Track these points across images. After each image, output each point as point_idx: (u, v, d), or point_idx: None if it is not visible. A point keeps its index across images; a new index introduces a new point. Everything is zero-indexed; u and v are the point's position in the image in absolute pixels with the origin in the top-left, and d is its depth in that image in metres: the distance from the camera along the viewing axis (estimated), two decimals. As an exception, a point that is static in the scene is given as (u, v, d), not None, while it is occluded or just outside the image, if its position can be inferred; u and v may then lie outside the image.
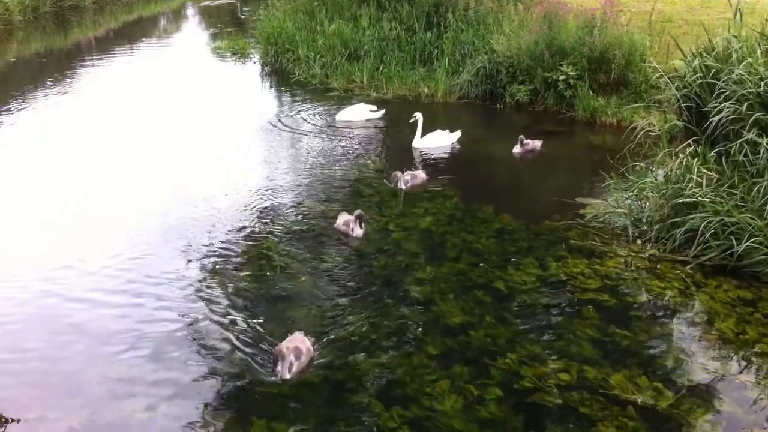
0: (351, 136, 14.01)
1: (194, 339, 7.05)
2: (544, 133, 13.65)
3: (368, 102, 15.68)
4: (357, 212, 9.14)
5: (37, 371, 6.63)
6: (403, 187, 10.67)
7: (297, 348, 6.37)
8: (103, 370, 6.60)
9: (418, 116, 12.89)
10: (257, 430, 5.76)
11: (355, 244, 8.95)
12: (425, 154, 12.84)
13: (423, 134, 13.01)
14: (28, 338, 7.17)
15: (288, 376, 6.22)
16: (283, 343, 6.48)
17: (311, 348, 6.58)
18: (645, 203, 9.26)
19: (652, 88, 13.92)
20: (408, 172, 10.92)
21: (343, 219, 9.29)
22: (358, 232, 9.07)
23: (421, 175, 11.00)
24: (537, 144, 12.52)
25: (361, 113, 15.09)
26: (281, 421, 5.85)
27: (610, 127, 14.01)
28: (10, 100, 17.36)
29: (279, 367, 6.28)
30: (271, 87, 19.43)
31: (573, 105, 14.68)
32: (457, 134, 13.23)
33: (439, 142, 13.08)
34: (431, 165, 12.25)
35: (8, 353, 6.93)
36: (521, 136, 12.44)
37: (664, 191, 8.90)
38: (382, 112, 15.17)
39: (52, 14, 32.76)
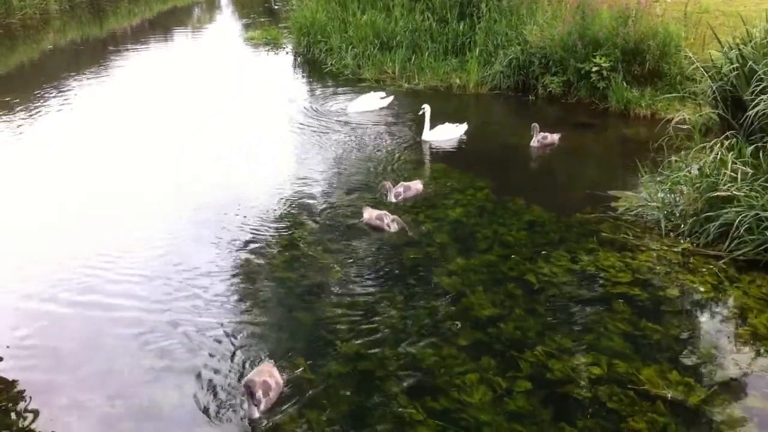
0: (376, 126, 13.98)
1: (225, 329, 7.13)
2: (576, 124, 13.58)
3: (399, 92, 15.70)
4: (394, 217, 9.09)
5: (69, 359, 6.76)
6: (393, 200, 9.96)
7: (265, 383, 5.88)
8: (134, 359, 6.71)
9: (426, 108, 12.78)
10: (289, 417, 5.82)
11: (385, 237, 8.96)
12: (446, 146, 12.77)
13: (431, 127, 12.91)
14: (61, 327, 7.30)
15: (257, 416, 5.79)
16: (250, 375, 6.01)
17: (281, 381, 6.12)
18: (678, 197, 9.16)
19: (687, 80, 13.73)
20: (402, 183, 10.25)
21: (375, 213, 9.24)
22: (395, 228, 9.04)
23: (416, 185, 10.29)
24: (555, 137, 12.35)
25: (373, 103, 15.18)
26: (312, 409, 5.91)
27: (643, 119, 13.84)
28: (46, 88, 17.61)
29: (246, 407, 5.85)
30: (303, 77, 19.50)
31: (606, 96, 14.51)
32: (464, 126, 13.13)
33: (447, 135, 12.97)
34: (461, 156, 12.21)
35: (41, 342, 7.07)
36: (535, 125, 12.25)
37: (698, 185, 8.80)
38: (391, 98, 15.28)
39: (87, 3, 33.14)
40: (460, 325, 7.01)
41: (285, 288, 7.91)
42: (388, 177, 10.95)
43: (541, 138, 12.19)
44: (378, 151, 12.52)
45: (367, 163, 11.90)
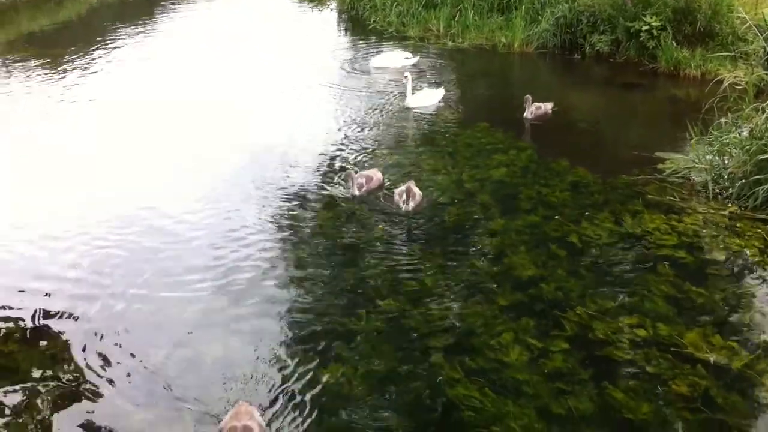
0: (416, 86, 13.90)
1: (270, 284, 7.23)
2: (624, 84, 13.38)
3: (443, 50, 15.55)
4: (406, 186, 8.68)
5: (117, 310, 6.90)
6: (357, 192, 9.01)
7: (246, 427, 5.17)
8: (180, 312, 6.84)
9: (408, 76, 12.56)
10: (330, 370, 5.90)
11: (427, 196, 8.93)
12: (430, 110, 12.57)
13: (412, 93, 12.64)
14: (110, 278, 7.45)
15: None
16: (228, 419, 5.29)
17: (262, 422, 5.35)
18: (727, 159, 8.99)
19: (739, 40, 13.39)
20: (361, 173, 9.28)
21: (400, 189, 8.80)
22: (409, 205, 8.56)
23: (377, 175, 9.30)
24: (548, 107, 11.92)
25: (396, 60, 15.15)
26: (351, 363, 5.99)
27: (693, 80, 13.56)
28: (93, 44, 17.79)
29: None
30: (346, 34, 19.41)
31: (655, 56, 14.23)
32: (442, 91, 12.96)
33: (430, 101, 12.73)
34: (504, 116, 12.07)
35: (89, 293, 7.21)
36: (528, 96, 11.77)
37: (747, 147, 8.62)
38: (417, 59, 15.20)
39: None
40: (498, 286, 7.03)
41: (329, 244, 7.97)
42: (436, 136, 10.94)
43: (534, 109, 11.82)
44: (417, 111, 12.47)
45: (404, 122, 11.88)
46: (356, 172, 9.31)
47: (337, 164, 10.07)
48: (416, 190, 8.67)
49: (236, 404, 5.43)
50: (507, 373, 5.81)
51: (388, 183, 9.30)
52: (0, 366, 6.18)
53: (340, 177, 9.56)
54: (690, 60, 13.77)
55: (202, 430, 5.37)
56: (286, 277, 7.34)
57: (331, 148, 10.70)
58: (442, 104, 12.81)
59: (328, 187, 9.34)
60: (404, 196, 8.56)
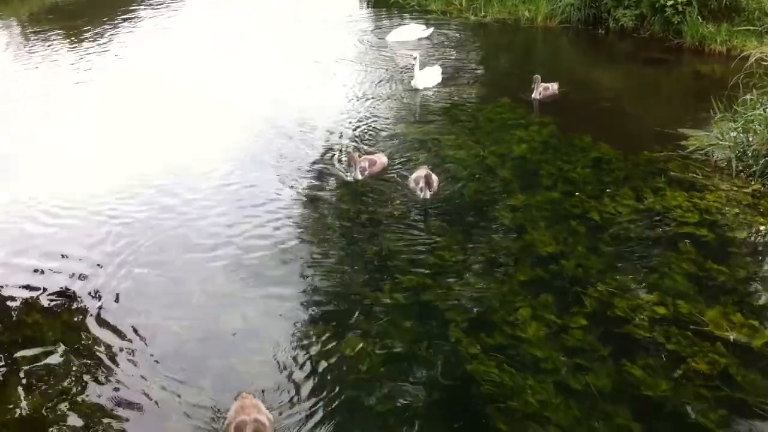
0: (433, 59, 13.80)
1: (290, 259, 7.28)
2: (648, 60, 13.22)
3: (465, 24, 15.43)
4: (424, 172, 8.38)
5: (137, 284, 6.99)
6: (360, 177, 8.77)
7: (256, 420, 4.98)
8: (203, 283, 6.92)
9: (416, 55, 12.29)
10: (350, 344, 5.95)
11: (447, 172, 8.91)
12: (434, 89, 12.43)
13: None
14: (129, 253, 7.52)
15: None
16: (234, 413, 5.11)
17: (270, 416, 5.17)
18: (752, 136, 8.88)
19: (765, 15, 13.18)
20: (365, 156, 9.04)
21: (414, 175, 8.59)
22: (426, 193, 8.26)
23: (381, 159, 9.08)
24: (555, 87, 11.72)
25: (412, 33, 15.11)
26: (370, 337, 6.03)
27: (719, 55, 13.36)
28: (116, 16, 17.81)
29: None
30: (368, 8, 19.26)
31: (680, 32, 14.02)
32: (439, 68, 12.75)
33: (435, 79, 12.48)
34: (525, 91, 12.00)
35: (110, 267, 7.29)
36: (537, 76, 11.52)
37: (773, 124, 8.52)
38: (431, 30, 15.15)
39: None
40: (517, 262, 7.01)
41: (348, 220, 8.00)
42: (456, 110, 10.88)
43: (543, 89, 11.68)
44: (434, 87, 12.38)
45: (424, 97, 11.83)
46: (360, 155, 9.05)
47: (355, 141, 10.06)
48: (434, 177, 8.38)
49: (239, 397, 5.24)
50: (526, 349, 5.83)
51: (408, 160, 9.31)
52: (24, 336, 6.30)
53: (359, 150, 9.53)
54: (715, 35, 13.57)
55: (222, 401, 5.43)
56: (305, 253, 7.39)
57: (349, 124, 10.69)
58: (444, 82, 12.57)
59: (345, 166, 9.33)
60: (421, 184, 8.28)
